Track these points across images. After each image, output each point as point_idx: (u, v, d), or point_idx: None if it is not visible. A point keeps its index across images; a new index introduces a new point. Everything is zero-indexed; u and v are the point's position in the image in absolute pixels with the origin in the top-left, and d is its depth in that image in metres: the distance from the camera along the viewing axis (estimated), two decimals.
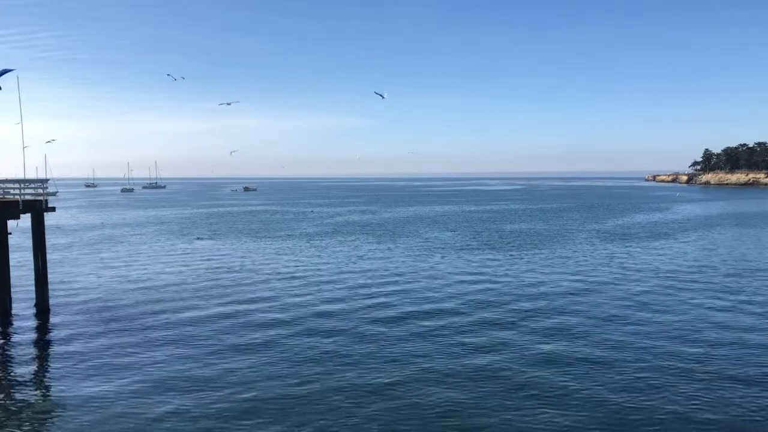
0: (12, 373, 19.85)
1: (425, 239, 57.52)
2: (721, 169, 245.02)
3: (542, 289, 32.64)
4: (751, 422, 15.60)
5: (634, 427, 15.31)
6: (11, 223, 28.13)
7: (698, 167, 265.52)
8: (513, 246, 51.67)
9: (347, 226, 74.06)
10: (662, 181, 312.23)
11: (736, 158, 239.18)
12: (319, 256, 46.21)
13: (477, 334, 23.63)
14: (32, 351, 22.35)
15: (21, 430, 15.56)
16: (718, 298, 29.92)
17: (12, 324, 25.89)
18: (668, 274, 36.88)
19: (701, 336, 23.23)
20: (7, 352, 22.03)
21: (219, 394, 17.56)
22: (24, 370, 20.15)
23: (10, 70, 30.01)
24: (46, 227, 29.58)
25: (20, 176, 37.47)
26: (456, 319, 26.03)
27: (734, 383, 18.20)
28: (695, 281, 34.68)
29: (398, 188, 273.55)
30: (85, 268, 41.05)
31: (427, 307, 28.41)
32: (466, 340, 22.82)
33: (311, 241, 56.18)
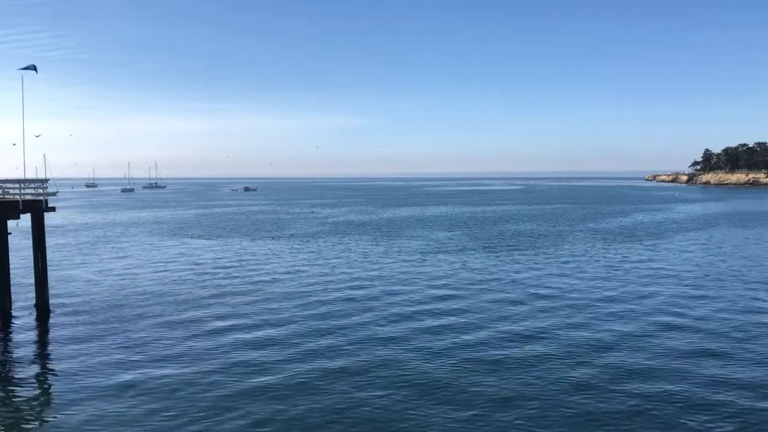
0: (11, 374, 19.76)
1: (424, 240, 57.43)
2: (721, 169, 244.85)
3: (544, 296, 32.52)
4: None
5: None
6: (11, 223, 28.05)
7: (698, 167, 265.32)
8: (513, 247, 51.59)
9: (347, 226, 74.00)
10: (662, 181, 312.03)
11: (736, 158, 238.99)
12: (318, 258, 46.17)
13: (478, 341, 23.54)
14: (32, 351, 22.27)
15: (21, 430, 15.48)
16: (729, 302, 29.75)
17: (12, 324, 25.82)
18: (671, 277, 36.78)
19: (708, 341, 23.16)
20: (6, 353, 21.96)
21: (220, 396, 17.48)
22: (24, 371, 20.05)
23: (33, 68, 31.84)
24: (46, 227, 29.50)
25: (20, 176, 37.42)
26: (456, 325, 25.94)
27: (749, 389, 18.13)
28: (700, 284, 34.58)
29: (398, 188, 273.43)
30: (85, 268, 40.97)
31: (427, 312, 28.31)
32: (467, 350, 22.71)
33: (311, 242, 56.12)
